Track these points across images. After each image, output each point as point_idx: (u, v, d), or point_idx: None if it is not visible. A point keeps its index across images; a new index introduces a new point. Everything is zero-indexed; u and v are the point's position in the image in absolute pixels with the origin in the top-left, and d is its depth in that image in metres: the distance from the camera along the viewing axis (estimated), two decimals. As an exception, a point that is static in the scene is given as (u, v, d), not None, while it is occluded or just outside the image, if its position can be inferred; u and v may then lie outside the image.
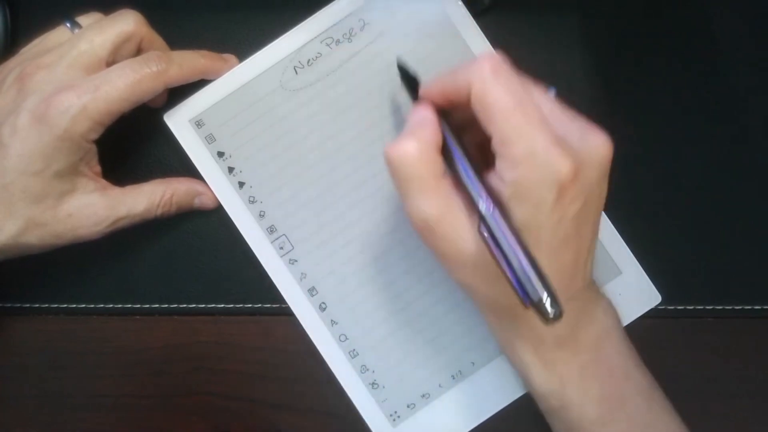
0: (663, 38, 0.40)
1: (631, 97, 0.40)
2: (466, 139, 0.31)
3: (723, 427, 0.39)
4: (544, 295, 0.26)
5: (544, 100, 0.30)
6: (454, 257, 0.30)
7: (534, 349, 0.32)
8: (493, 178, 0.29)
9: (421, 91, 0.32)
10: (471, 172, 0.29)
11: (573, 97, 0.39)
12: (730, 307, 0.39)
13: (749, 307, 0.39)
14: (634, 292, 0.39)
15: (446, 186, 0.30)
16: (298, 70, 0.38)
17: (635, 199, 0.40)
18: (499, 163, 0.29)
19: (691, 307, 0.39)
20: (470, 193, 0.29)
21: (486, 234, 0.28)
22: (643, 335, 0.39)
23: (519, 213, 0.28)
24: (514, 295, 0.27)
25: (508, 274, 0.27)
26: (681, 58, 0.40)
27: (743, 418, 0.39)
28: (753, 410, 0.39)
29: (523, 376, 0.33)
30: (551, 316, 0.26)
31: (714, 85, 0.40)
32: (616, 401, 0.32)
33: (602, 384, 0.32)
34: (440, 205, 0.30)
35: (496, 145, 0.28)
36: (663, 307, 0.39)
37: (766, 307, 0.39)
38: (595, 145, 0.29)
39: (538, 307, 0.26)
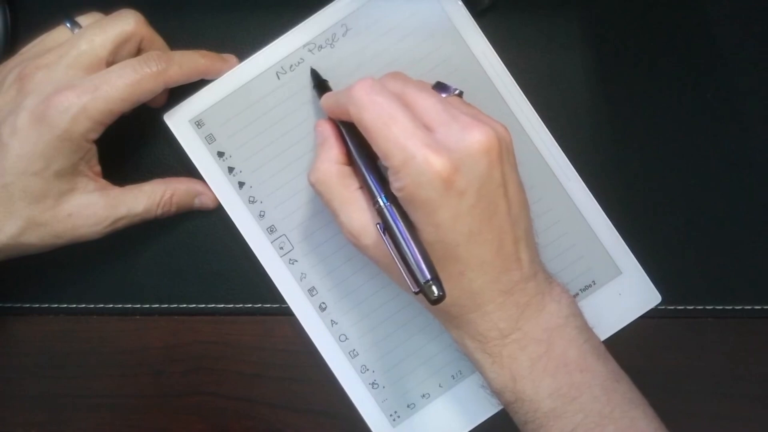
0: (663, 38, 0.40)
1: (631, 97, 0.40)
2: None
3: (723, 427, 0.39)
4: (428, 279, 0.29)
5: (429, 105, 0.31)
6: (383, 265, 0.33)
7: (480, 345, 0.33)
8: (391, 188, 0.31)
9: (321, 103, 0.36)
10: (370, 173, 0.32)
11: (573, 97, 0.40)
12: (730, 307, 0.39)
13: (749, 307, 0.39)
14: (634, 292, 0.39)
15: (362, 197, 0.33)
16: (293, 68, 0.38)
17: (635, 200, 0.40)
18: (389, 177, 0.31)
19: (691, 307, 0.39)
20: (371, 192, 0.32)
21: (381, 227, 0.31)
22: (643, 335, 0.39)
23: (414, 218, 0.31)
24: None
25: (398, 262, 0.30)
26: (681, 58, 0.40)
27: (743, 418, 0.39)
28: (753, 410, 0.39)
29: (480, 373, 0.34)
30: (435, 296, 0.29)
31: (714, 85, 0.40)
32: (570, 394, 0.32)
33: (555, 377, 0.32)
34: (360, 218, 0.32)
35: (382, 160, 0.31)
36: (663, 307, 0.39)
37: (766, 307, 0.39)
38: (472, 139, 0.30)
39: (424, 290, 0.29)
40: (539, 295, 0.33)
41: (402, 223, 0.31)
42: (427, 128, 0.30)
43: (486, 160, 0.30)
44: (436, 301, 0.29)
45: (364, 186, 0.33)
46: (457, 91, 0.34)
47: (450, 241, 0.30)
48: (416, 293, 0.30)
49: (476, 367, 0.34)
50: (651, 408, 0.33)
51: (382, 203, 0.31)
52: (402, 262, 0.30)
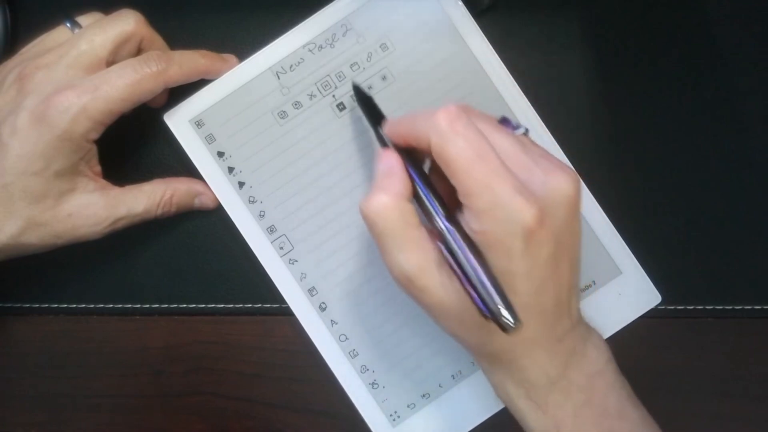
0: (663, 38, 0.40)
1: (631, 97, 0.40)
2: (436, 178, 0.31)
3: (724, 427, 0.39)
4: (502, 307, 0.27)
5: (507, 145, 0.30)
6: (438, 308, 0.31)
7: (526, 392, 0.32)
8: (464, 225, 0.30)
9: (386, 130, 0.33)
10: (431, 198, 0.30)
11: (572, 97, 0.40)
12: (730, 307, 0.39)
13: (749, 307, 0.39)
14: (634, 292, 0.39)
15: (423, 237, 0.30)
16: (293, 68, 0.38)
17: (635, 199, 0.40)
18: (466, 214, 0.29)
19: (691, 307, 0.39)
20: (431, 213, 0.30)
21: (445, 250, 0.29)
22: (643, 335, 0.39)
23: (490, 262, 0.29)
24: (486, 320, 0.27)
25: (466, 286, 0.28)
26: (681, 58, 0.40)
27: (743, 418, 0.39)
28: (754, 410, 0.39)
29: (519, 420, 0.33)
30: (511, 324, 0.27)
31: (714, 84, 0.40)
32: None
33: (596, 424, 0.31)
34: (418, 258, 0.30)
35: (461, 197, 0.29)
36: (663, 307, 0.39)
37: (766, 307, 0.39)
38: (558, 186, 0.29)
39: (497, 317, 0.27)
40: (582, 341, 0.32)
41: (467, 247, 0.28)
42: (514, 170, 0.29)
43: (569, 209, 0.29)
44: (511, 331, 0.27)
45: (434, 230, 0.30)
46: (523, 130, 0.32)
47: (519, 291, 0.29)
48: (487, 319, 0.27)
49: (516, 414, 0.33)
50: None
51: (443, 226, 0.29)
52: (469, 287, 0.28)
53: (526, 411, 0.32)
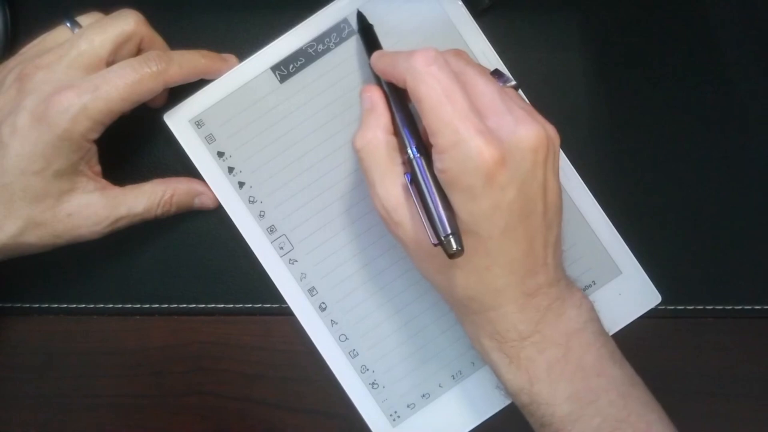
0: (663, 38, 0.40)
1: (631, 97, 0.40)
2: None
3: (723, 427, 0.39)
4: (449, 233, 0.29)
5: (487, 91, 0.31)
6: (411, 243, 0.32)
7: (498, 345, 0.32)
8: (433, 165, 0.31)
9: (371, 61, 0.35)
10: (409, 136, 0.32)
11: (572, 97, 0.40)
12: (730, 307, 0.39)
13: (749, 307, 0.39)
14: (634, 292, 0.39)
15: (403, 171, 0.32)
16: (293, 68, 0.38)
17: (635, 199, 0.40)
18: (433, 154, 0.30)
19: (691, 307, 0.39)
20: (404, 144, 0.32)
21: (409, 180, 0.31)
22: (643, 335, 0.39)
23: (453, 201, 0.30)
24: (439, 250, 0.29)
25: (421, 212, 0.30)
26: (681, 57, 0.40)
27: (744, 418, 0.39)
28: (754, 410, 0.39)
29: (495, 373, 0.34)
30: (453, 250, 0.29)
31: (715, 84, 0.40)
32: (586, 398, 0.31)
33: (572, 381, 0.32)
34: (397, 193, 0.32)
35: (429, 135, 0.30)
36: (663, 307, 0.39)
37: (766, 306, 0.39)
38: (524, 134, 0.30)
39: (443, 243, 0.29)
40: (560, 300, 0.32)
41: (430, 177, 0.30)
42: (481, 114, 0.30)
43: (533, 157, 0.30)
44: (453, 255, 0.29)
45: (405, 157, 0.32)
46: (513, 83, 0.33)
47: (483, 233, 0.30)
48: (435, 245, 0.29)
49: (492, 367, 0.34)
50: (665, 412, 0.33)
51: (411, 154, 0.31)
52: (425, 215, 0.30)
53: (499, 363, 0.33)
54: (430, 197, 0.30)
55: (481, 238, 0.30)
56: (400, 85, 0.32)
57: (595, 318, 0.33)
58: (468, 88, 0.31)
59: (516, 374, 0.32)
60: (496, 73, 0.33)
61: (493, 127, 0.30)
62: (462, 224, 0.30)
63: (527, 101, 0.33)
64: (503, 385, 0.34)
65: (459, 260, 0.30)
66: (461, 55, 0.33)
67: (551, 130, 0.31)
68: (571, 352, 0.32)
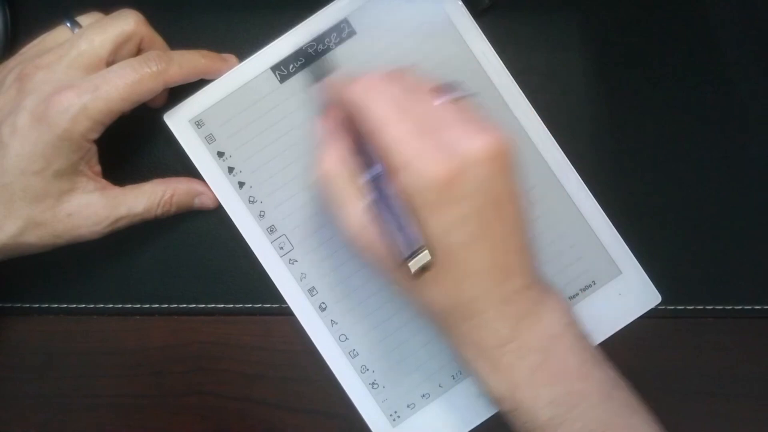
0: (663, 38, 0.40)
1: (631, 97, 0.40)
2: None
3: (723, 427, 0.39)
4: (414, 250, 0.29)
5: (438, 108, 0.31)
6: (381, 265, 0.32)
7: (477, 353, 0.32)
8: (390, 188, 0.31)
9: (318, 93, 0.36)
10: (362, 155, 0.32)
11: (573, 97, 0.40)
12: (730, 307, 0.39)
13: (749, 307, 0.39)
14: (634, 292, 0.39)
15: (363, 197, 0.32)
16: (293, 68, 0.38)
17: (635, 199, 0.40)
18: (388, 176, 0.31)
19: (691, 307, 0.39)
20: (364, 166, 0.32)
21: (370, 201, 0.31)
22: (643, 335, 0.39)
23: (416, 218, 0.30)
24: (396, 263, 0.30)
25: (384, 233, 0.30)
26: (681, 57, 0.40)
27: (744, 418, 0.39)
28: (754, 410, 0.39)
29: (478, 383, 0.33)
30: (420, 266, 0.30)
31: (714, 84, 0.40)
32: (569, 402, 0.31)
33: (554, 385, 0.32)
34: (360, 218, 0.32)
35: (380, 157, 0.31)
36: (663, 307, 0.39)
37: (766, 306, 0.39)
38: (478, 146, 0.30)
39: (409, 260, 0.30)
40: (537, 305, 0.32)
41: (391, 197, 0.30)
42: (431, 131, 0.30)
43: (490, 167, 0.30)
44: (422, 271, 0.30)
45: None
46: (468, 94, 0.33)
47: (449, 245, 0.30)
48: (402, 263, 0.30)
49: (475, 377, 0.33)
50: (651, 414, 0.33)
51: (366, 178, 0.31)
52: (389, 235, 0.30)
53: (480, 371, 0.32)
54: (392, 217, 0.30)
55: (446, 252, 0.30)
56: (348, 113, 0.32)
57: (574, 321, 0.33)
58: (417, 107, 0.31)
59: (498, 381, 0.32)
60: (450, 86, 0.33)
61: (446, 142, 0.30)
62: (428, 239, 0.30)
63: (482, 111, 0.33)
64: (486, 393, 0.33)
65: (430, 275, 0.30)
66: (406, 72, 0.33)
67: (505, 138, 0.31)
68: (552, 356, 0.32)
